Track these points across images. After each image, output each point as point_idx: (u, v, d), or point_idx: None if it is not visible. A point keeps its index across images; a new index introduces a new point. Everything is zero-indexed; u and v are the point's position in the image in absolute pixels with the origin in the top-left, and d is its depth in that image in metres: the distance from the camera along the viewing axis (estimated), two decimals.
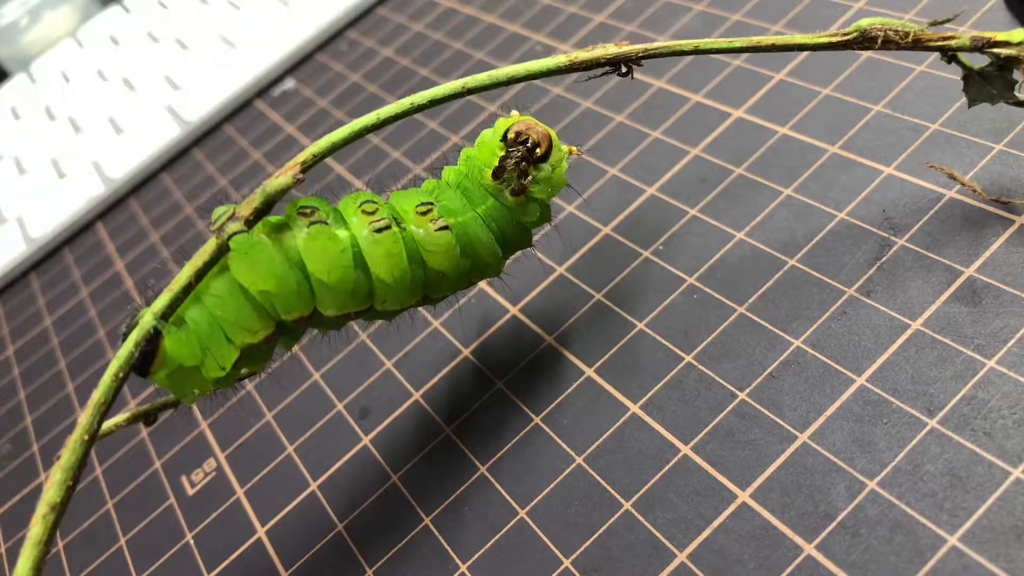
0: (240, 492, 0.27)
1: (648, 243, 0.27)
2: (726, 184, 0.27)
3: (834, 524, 0.19)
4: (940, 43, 0.21)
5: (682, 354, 0.23)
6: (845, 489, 0.19)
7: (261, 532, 0.26)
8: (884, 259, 0.23)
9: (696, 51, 0.22)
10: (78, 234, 0.44)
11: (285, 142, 0.42)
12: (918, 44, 0.21)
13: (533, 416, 0.24)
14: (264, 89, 0.46)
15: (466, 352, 0.27)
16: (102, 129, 0.48)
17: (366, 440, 0.26)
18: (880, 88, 0.27)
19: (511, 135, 0.22)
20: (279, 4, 0.50)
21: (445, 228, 0.21)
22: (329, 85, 0.44)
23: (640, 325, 0.25)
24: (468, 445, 0.25)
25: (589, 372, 0.24)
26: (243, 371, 0.22)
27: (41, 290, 0.42)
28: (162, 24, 0.55)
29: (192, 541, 0.27)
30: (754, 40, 0.21)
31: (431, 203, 0.22)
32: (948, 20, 0.21)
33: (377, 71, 0.42)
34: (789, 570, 0.19)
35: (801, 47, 0.21)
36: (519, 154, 0.22)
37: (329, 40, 0.47)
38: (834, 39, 0.21)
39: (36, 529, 0.18)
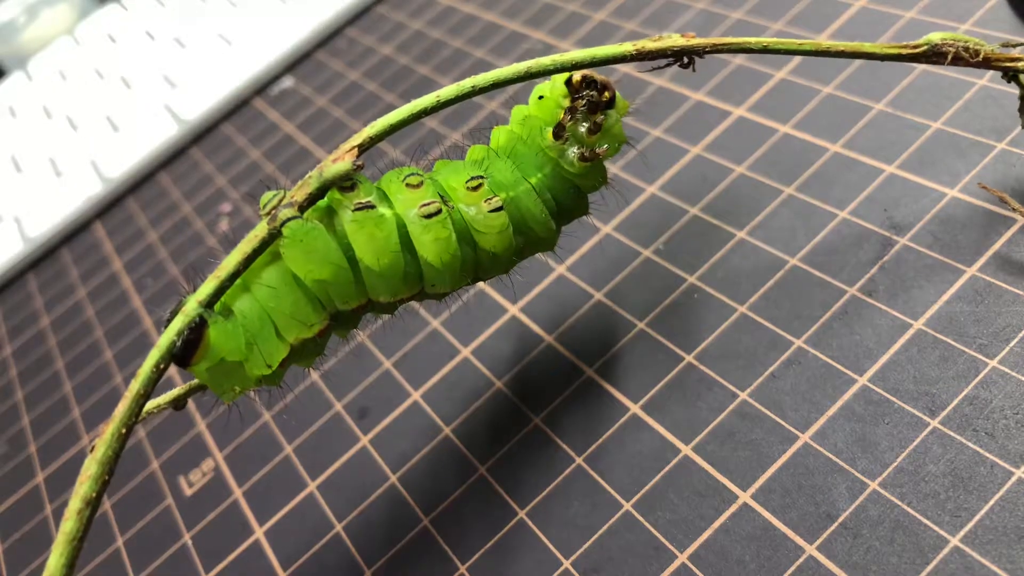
0: (238, 492, 0.27)
1: (648, 242, 0.27)
2: (727, 183, 0.27)
3: (835, 525, 0.19)
4: (1007, 63, 0.21)
5: (682, 354, 0.23)
6: (846, 489, 0.19)
7: (259, 532, 0.26)
8: (886, 258, 0.23)
9: (765, 50, 0.21)
10: (76, 233, 0.44)
11: (284, 141, 0.42)
12: (987, 63, 0.21)
13: (532, 416, 0.24)
14: (262, 87, 0.46)
15: (465, 352, 0.27)
16: (99, 127, 0.48)
17: (365, 440, 0.26)
18: (882, 86, 0.27)
19: (577, 79, 0.21)
20: (278, 2, 0.49)
21: (499, 209, 0.20)
22: (328, 83, 0.44)
23: (641, 325, 0.25)
24: (467, 445, 0.24)
25: (589, 372, 0.24)
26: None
27: (39, 289, 0.42)
28: (160, 22, 0.55)
29: (190, 541, 0.27)
30: (823, 44, 0.21)
31: (482, 177, 0.20)
32: (1022, 44, 0.21)
33: (376, 69, 0.42)
34: (790, 571, 0.19)
35: (869, 56, 0.21)
36: (585, 102, 0.20)
37: (328, 38, 0.47)
38: (903, 51, 0.21)
39: (70, 524, 0.17)
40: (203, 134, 0.46)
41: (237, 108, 0.46)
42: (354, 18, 0.47)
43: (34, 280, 0.43)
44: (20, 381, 0.37)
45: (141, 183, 0.45)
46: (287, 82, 0.46)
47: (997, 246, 0.21)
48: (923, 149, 0.25)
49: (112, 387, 0.34)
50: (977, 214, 0.22)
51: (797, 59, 0.29)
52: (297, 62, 0.47)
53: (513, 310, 0.27)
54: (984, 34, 0.26)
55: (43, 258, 0.44)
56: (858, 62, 0.28)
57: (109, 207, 0.45)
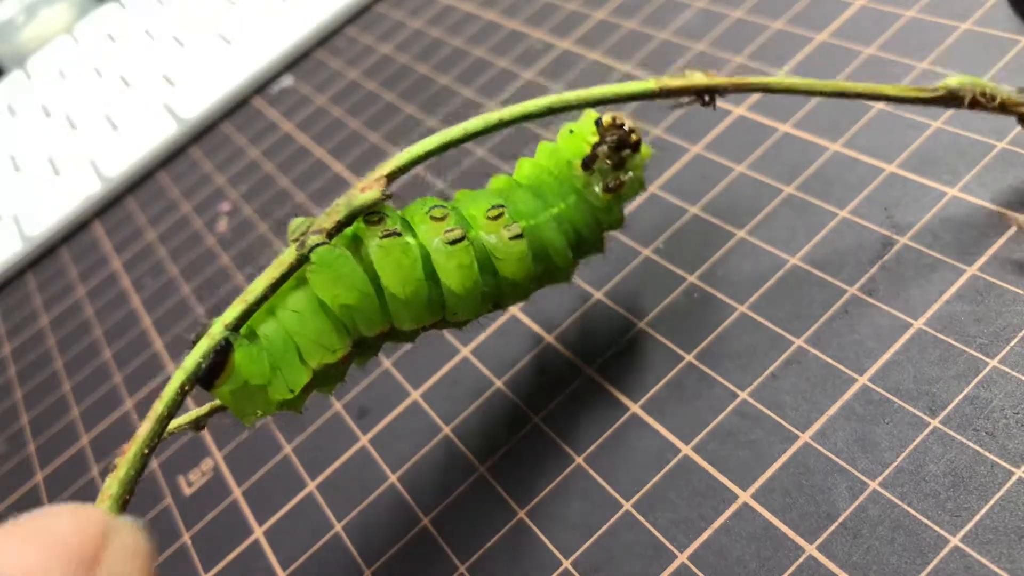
0: (238, 492, 0.27)
1: (648, 241, 0.27)
2: (727, 182, 0.27)
3: (835, 524, 0.19)
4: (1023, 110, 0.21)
5: (682, 353, 0.23)
6: (847, 489, 0.19)
7: (259, 532, 0.26)
8: (886, 258, 0.23)
9: (788, 90, 0.22)
10: (74, 232, 0.44)
11: (283, 140, 0.41)
12: (1004, 108, 0.21)
13: (532, 416, 0.24)
14: (262, 86, 0.46)
15: (465, 352, 0.27)
16: (98, 126, 0.48)
17: (364, 440, 0.26)
18: None
19: (607, 120, 0.21)
20: (277, 0, 0.49)
21: (519, 236, 0.21)
22: (328, 82, 0.43)
23: (640, 324, 0.25)
24: (467, 445, 0.24)
25: (589, 372, 0.24)
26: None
27: (37, 289, 0.42)
28: (159, 21, 0.55)
29: (189, 541, 0.27)
30: (842, 85, 0.22)
31: (502, 206, 0.21)
32: None
33: (376, 68, 0.42)
34: (790, 571, 0.19)
35: (888, 98, 0.22)
36: (615, 140, 0.21)
37: (327, 37, 0.47)
38: (922, 94, 0.22)
39: None
40: (202, 133, 0.46)
41: (236, 107, 0.46)
42: (354, 17, 0.47)
43: (33, 279, 0.43)
44: (19, 380, 0.37)
45: (140, 182, 0.45)
46: (286, 81, 0.46)
47: (997, 245, 0.21)
48: (923, 148, 0.25)
49: (111, 386, 0.34)
50: (977, 213, 0.22)
51: (797, 59, 0.29)
52: (296, 61, 0.46)
53: (513, 309, 0.27)
54: (984, 33, 0.26)
55: (42, 257, 0.44)
56: (859, 60, 0.28)
57: (108, 206, 0.45)
